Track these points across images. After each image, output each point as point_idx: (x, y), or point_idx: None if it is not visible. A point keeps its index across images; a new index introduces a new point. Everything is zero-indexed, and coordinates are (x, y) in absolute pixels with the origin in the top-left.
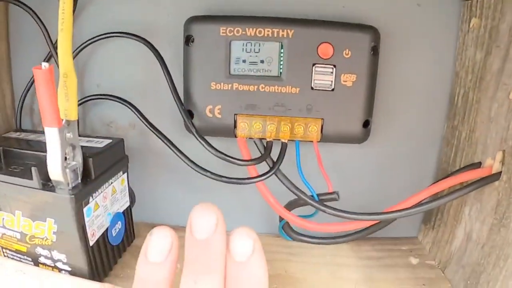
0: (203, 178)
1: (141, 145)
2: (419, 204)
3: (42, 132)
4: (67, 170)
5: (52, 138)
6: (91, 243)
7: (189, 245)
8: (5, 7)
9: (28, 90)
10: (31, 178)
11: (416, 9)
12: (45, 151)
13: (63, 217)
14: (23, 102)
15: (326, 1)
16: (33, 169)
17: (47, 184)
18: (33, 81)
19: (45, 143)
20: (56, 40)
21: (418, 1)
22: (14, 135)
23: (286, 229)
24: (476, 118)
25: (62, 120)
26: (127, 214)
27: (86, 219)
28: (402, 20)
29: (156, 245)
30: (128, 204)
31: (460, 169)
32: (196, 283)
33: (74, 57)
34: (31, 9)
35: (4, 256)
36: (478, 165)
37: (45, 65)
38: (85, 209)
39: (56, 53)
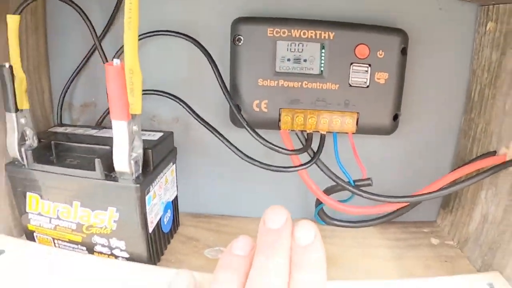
0: (242, 169)
1: (183, 138)
2: (441, 189)
3: (88, 127)
4: (132, 161)
5: (120, 131)
6: (150, 230)
7: (262, 234)
8: (43, 2)
9: (69, 86)
10: (93, 169)
11: (438, 13)
12: (97, 144)
13: (126, 206)
14: (63, 98)
15: (362, 6)
16: (96, 161)
17: (109, 175)
18: (73, 77)
19: (95, 136)
20: (100, 34)
21: (440, 6)
22: (60, 129)
23: (320, 214)
24: (491, 112)
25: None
26: (175, 204)
27: (147, 207)
28: (426, 23)
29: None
30: (176, 193)
31: (477, 157)
32: (267, 259)
33: (120, 55)
34: (73, 2)
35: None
36: (493, 153)
37: (116, 61)
38: (146, 198)
39: (101, 47)
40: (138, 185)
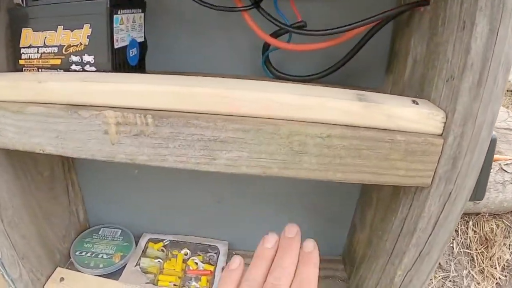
0: (201, 26)
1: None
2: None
3: None
4: None
5: None
6: (115, 46)
7: (282, 239)
8: None
9: None
10: None
11: None
12: None
13: (99, 21)
14: None
15: None
16: None
17: None
18: None
19: None
20: None
21: None
22: None
23: (268, 65)
24: None
25: None
26: (141, 48)
27: (115, 25)
28: None
29: (270, 239)
30: (143, 39)
31: None
32: (283, 255)
33: None
34: None
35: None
36: None
37: None
38: (114, 17)
39: None
40: (108, 4)
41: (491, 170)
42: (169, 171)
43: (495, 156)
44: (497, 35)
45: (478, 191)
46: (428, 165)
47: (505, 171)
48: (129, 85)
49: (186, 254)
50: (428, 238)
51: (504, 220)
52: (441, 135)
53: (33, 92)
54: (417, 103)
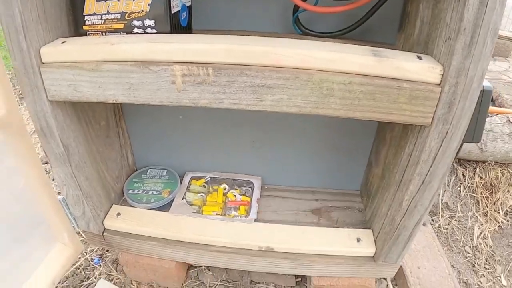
0: None
1: None
2: None
3: None
4: None
5: None
6: (172, 12)
7: None
8: None
9: None
10: None
11: None
12: None
13: None
14: None
15: None
16: None
17: None
18: None
19: None
20: None
21: None
22: None
23: (297, 23)
24: None
25: None
26: (189, 11)
27: None
28: None
29: None
30: (190, 3)
31: None
32: None
33: None
34: None
35: (103, 34)
36: None
37: None
38: None
39: None
40: None
41: (499, 122)
42: (210, 117)
43: (504, 110)
44: (486, 6)
45: (476, 134)
46: (428, 108)
47: None
48: (191, 44)
49: (225, 189)
50: (429, 169)
51: (509, 169)
52: (439, 84)
53: (107, 53)
54: (421, 58)
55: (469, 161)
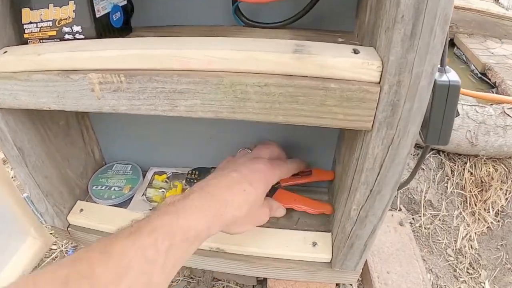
0: None
1: None
2: None
3: None
4: None
5: None
6: (97, 16)
7: None
8: None
9: None
10: None
11: None
12: None
13: None
14: None
15: None
16: None
17: None
18: None
19: None
20: None
21: None
22: None
23: (238, 14)
24: None
25: None
26: (125, 10)
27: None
28: None
29: None
30: (125, 2)
31: None
32: None
33: None
34: None
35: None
36: None
37: None
38: None
39: None
40: None
41: (493, 113)
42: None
43: (500, 97)
44: None
45: (442, 136)
46: (366, 111)
47: (508, 115)
48: (104, 51)
49: (185, 185)
50: (376, 178)
51: (503, 165)
52: (378, 83)
53: (35, 63)
54: (357, 52)
55: (460, 155)
